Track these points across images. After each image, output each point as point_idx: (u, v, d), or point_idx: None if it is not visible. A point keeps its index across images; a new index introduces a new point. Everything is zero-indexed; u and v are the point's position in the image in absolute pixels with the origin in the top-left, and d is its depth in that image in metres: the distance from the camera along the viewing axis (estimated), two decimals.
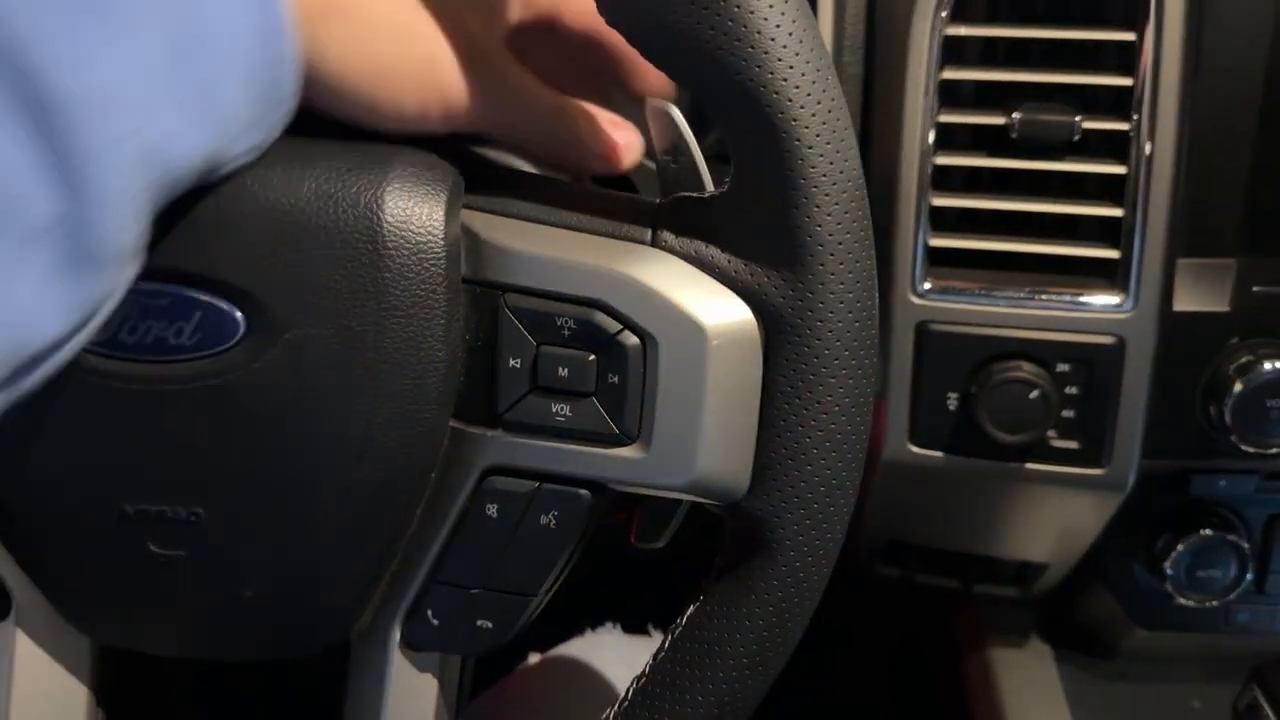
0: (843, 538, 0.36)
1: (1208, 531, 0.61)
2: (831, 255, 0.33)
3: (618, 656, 0.65)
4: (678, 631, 0.38)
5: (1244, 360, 0.55)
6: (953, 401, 0.56)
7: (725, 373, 0.35)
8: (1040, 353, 0.54)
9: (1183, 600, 0.62)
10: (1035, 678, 0.70)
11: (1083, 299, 0.54)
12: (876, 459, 0.60)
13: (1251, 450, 0.56)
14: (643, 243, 0.36)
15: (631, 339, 0.35)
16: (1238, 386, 0.54)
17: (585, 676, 0.64)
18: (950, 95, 0.54)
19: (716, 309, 0.35)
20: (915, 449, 0.58)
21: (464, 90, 0.36)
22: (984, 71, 0.54)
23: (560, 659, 0.67)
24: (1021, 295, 0.55)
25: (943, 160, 0.54)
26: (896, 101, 0.54)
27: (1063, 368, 0.54)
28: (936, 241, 0.55)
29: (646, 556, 0.49)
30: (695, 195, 0.36)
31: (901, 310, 0.56)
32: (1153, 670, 0.69)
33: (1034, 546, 0.64)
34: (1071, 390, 0.54)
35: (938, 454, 0.58)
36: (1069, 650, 0.71)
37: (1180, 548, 0.61)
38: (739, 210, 0.35)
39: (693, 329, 0.35)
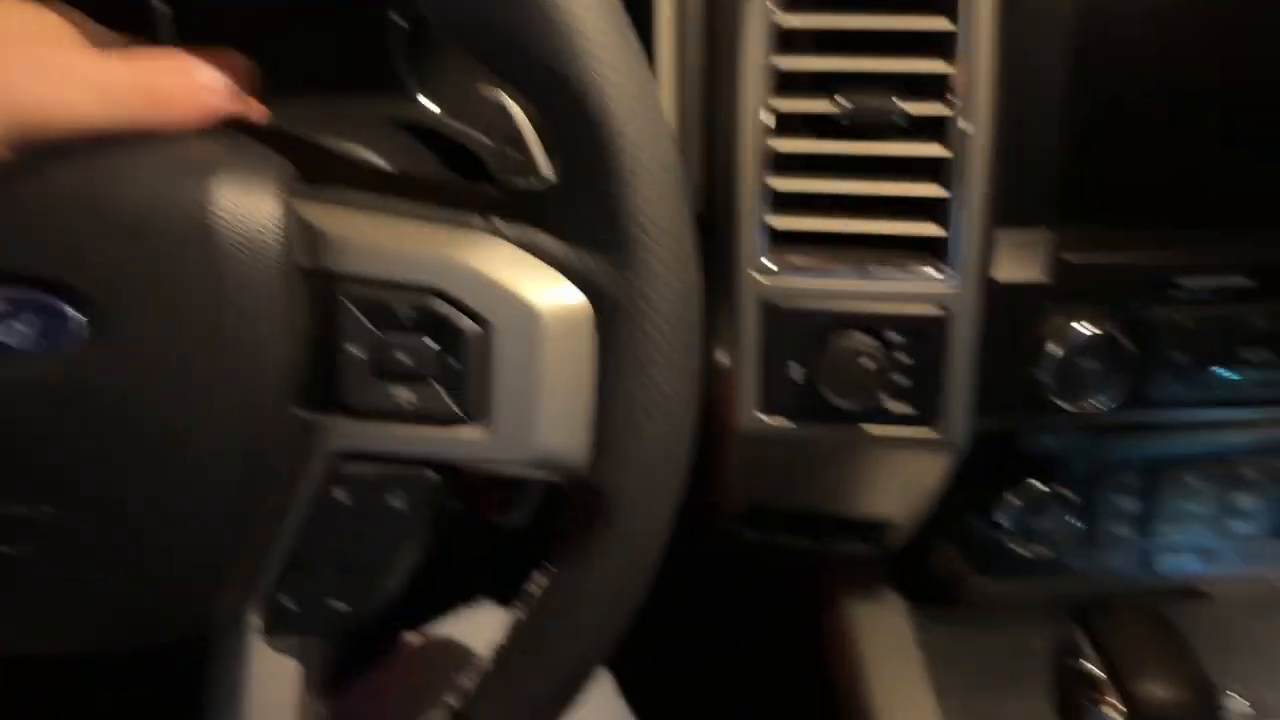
0: (676, 505, 0.39)
1: (1037, 485, 0.65)
2: (652, 240, 0.36)
3: (494, 631, 0.66)
4: (529, 600, 0.41)
5: (1060, 325, 0.60)
6: (797, 373, 0.59)
7: (560, 354, 0.37)
8: (874, 324, 0.58)
9: (1018, 549, 0.67)
10: (889, 627, 0.74)
11: (911, 273, 0.58)
12: (732, 430, 0.63)
13: (1071, 408, 0.60)
14: (478, 230, 0.37)
15: (469, 324, 0.37)
16: (1055, 350, 0.59)
17: (462, 652, 0.66)
18: (784, 82, 0.57)
19: (550, 294, 0.37)
20: (766, 419, 0.61)
21: (51, 111, 0.35)
22: (814, 59, 0.57)
23: (437, 637, 0.68)
24: (856, 272, 0.58)
25: (778, 145, 0.57)
26: (734, 89, 0.57)
27: (895, 338, 0.58)
28: (777, 223, 0.58)
29: (522, 530, 0.51)
30: (527, 183, 0.38)
31: (748, 288, 0.59)
32: (996, 616, 0.74)
33: (881, 505, 0.68)
34: (904, 359, 0.58)
35: (787, 423, 0.61)
36: (920, 601, 0.76)
37: (1013, 501, 0.65)
38: (565, 199, 0.37)
39: (527, 314, 0.36)
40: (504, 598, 0.72)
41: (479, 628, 0.67)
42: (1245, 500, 0.68)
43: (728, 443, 0.64)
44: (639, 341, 0.37)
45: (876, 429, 0.60)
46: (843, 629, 0.75)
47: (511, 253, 0.37)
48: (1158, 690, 0.51)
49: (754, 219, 0.58)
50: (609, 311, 0.37)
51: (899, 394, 0.59)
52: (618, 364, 0.37)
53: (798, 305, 0.59)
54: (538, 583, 0.40)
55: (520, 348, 0.37)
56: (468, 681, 0.41)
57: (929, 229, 0.58)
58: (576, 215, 0.36)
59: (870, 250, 0.59)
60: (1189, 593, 0.76)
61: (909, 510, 0.68)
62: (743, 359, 0.60)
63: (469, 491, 0.47)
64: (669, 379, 0.37)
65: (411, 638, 0.68)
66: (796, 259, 0.59)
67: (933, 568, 0.74)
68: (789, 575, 0.85)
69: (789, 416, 0.61)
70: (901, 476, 0.65)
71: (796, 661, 0.86)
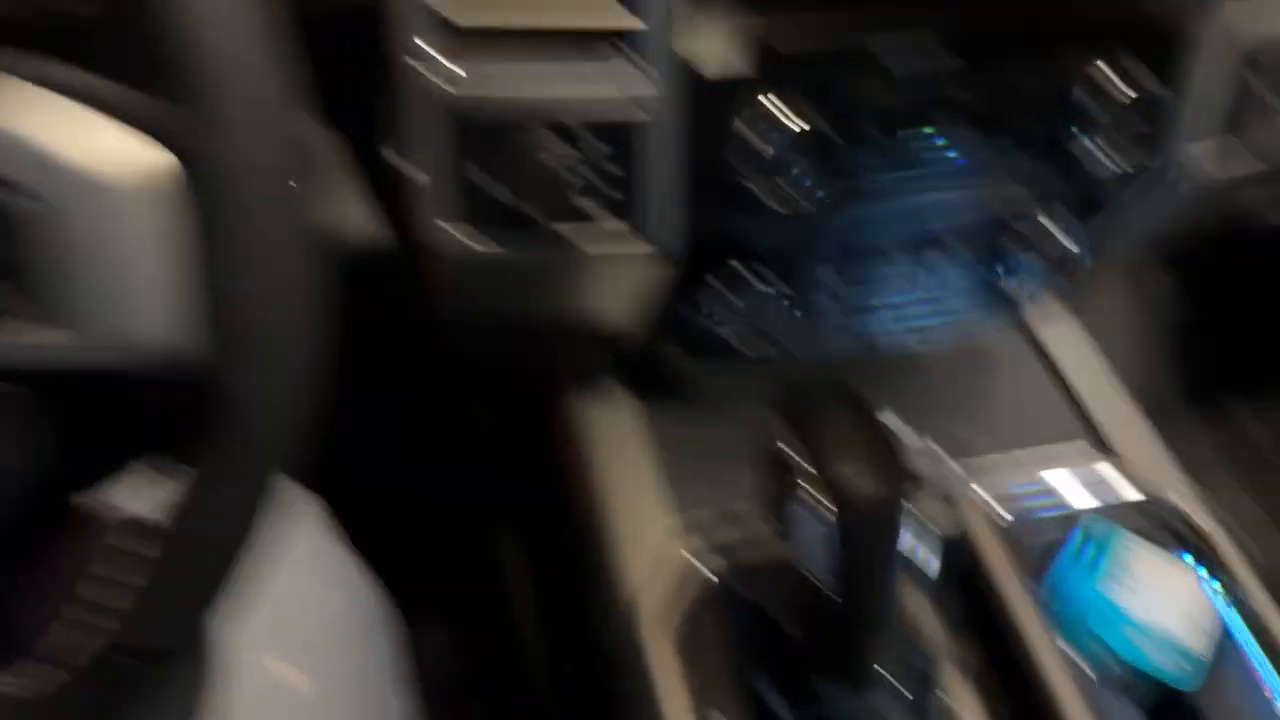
0: (301, 380, 0.34)
1: (750, 277, 0.65)
2: (222, 74, 0.29)
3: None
4: (170, 510, 0.36)
5: (764, 115, 0.57)
6: (492, 184, 0.55)
7: (139, 228, 0.30)
8: (572, 130, 0.53)
9: (736, 342, 0.67)
10: (617, 423, 0.74)
11: (609, 72, 0.53)
12: (429, 247, 0.58)
13: (771, 202, 0.59)
14: (10, 76, 0.29)
15: (22, 204, 0.30)
16: (757, 145, 0.56)
17: (133, 522, 0.61)
18: None
19: (115, 154, 0.30)
20: (469, 242, 0.57)
21: None
22: None
23: (109, 505, 0.63)
24: (550, 73, 0.53)
25: None
26: None
27: (596, 144, 0.54)
28: (459, 17, 0.51)
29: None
30: (69, 17, 0.30)
31: (432, 94, 0.53)
32: (720, 405, 0.75)
33: (599, 311, 0.66)
34: (606, 165, 0.54)
35: (487, 238, 0.57)
36: (647, 396, 0.76)
37: (727, 293, 0.65)
38: (120, 37, 0.29)
39: (89, 183, 0.30)
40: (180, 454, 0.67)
41: (152, 489, 0.62)
42: (949, 273, 0.71)
43: (431, 261, 0.60)
44: (226, 201, 0.30)
45: (584, 242, 0.57)
46: (572, 427, 0.75)
47: (60, 106, 0.29)
48: (849, 470, 0.52)
49: (429, 14, 0.51)
50: (190, 168, 0.30)
51: (604, 202, 0.56)
52: (208, 231, 0.31)
53: (487, 112, 0.53)
54: (175, 489, 0.36)
55: (88, 225, 0.30)
56: (125, 604, 0.37)
57: (624, 19, 0.52)
58: (129, 50, 0.29)
59: (565, 48, 0.53)
60: (898, 361, 0.80)
61: (627, 314, 0.66)
62: (431, 171, 0.55)
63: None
64: (267, 242, 0.31)
65: (83, 503, 0.62)
66: (483, 62, 0.52)
67: (657, 363, 0.74)
68: (519, 383, 0.84)
69: (494, 238, 0.57)
70: (614, 284, 0.63)
71: (530, 465, 0.86)
